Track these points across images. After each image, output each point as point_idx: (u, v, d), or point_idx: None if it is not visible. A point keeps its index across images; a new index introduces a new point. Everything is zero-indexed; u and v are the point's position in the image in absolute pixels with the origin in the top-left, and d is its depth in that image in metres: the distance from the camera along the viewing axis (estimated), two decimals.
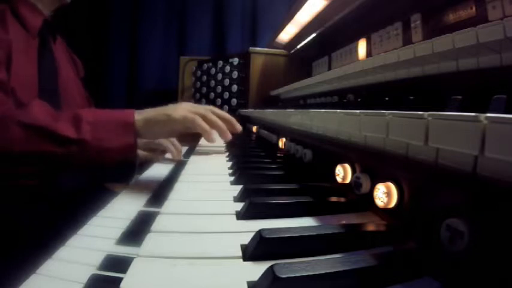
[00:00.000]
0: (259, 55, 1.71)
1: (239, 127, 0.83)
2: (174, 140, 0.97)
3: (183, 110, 0.71)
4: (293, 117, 0.73)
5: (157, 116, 0.69)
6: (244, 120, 1.58)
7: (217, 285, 0.24)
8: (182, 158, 0.96)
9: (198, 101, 1.90)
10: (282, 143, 0.86)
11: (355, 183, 0.42)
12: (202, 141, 1.06)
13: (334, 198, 0.44)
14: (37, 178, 0.70)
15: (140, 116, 0.68)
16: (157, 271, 0.26)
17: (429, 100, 0.44)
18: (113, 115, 0.67)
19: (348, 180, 0.47)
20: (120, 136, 0.64)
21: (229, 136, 0.79)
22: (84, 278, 0.32)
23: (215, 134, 0.77)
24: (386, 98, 0.57)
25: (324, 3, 1.07)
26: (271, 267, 0.23)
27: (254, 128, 1.33)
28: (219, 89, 1.78)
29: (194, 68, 1.93)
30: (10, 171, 0.62)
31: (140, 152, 0.95)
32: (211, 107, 0.78)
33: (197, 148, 0.98)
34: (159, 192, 0.64)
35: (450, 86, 0.50)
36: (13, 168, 0.62)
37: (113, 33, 2.51)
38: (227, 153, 0.83)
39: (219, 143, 0.86)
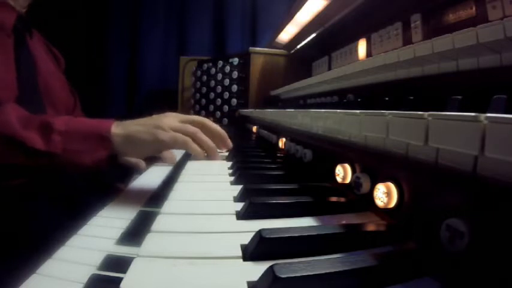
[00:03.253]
0: (259, 55, 1.71)
1: (230, 143, 0.78)
2: None
3: (170, 128, 0.64)
4: (293, 117, 0.73)
5: (141, 133, 0.61)
6: (244, 120, 1.59)
7: (217, 285, 0.24)
8: (177, 159, 0.93)
9: (198, 101, 1.91)
10: (282, 143, 0.86)
11: (355, 183, 0.42)
12: None
13: (334, 198, 0.44)
14: (27, 177, 0.69)
15: (119, 129, 0.61)
16: (158, 271, 0.26)
17: (429, 100, 0.44)
18: (88, 126, 0.61)
19: (348, 180, 0.47)
20: (92, 150, 0.59)
21: (218, 157, 0.73)
22: (84, 278, 0.32)
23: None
24: (386, 98, 0.57)
25: (324, 3, 1.07)
26: (271, 267, 0.23)
27: (254, 128, 1.33)
28: (219, 89, 1.78)
29: (194, 68, 1.94)
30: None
31: (131, 159, 0.92)
32: (202, 120, 0.73)
33: None
34: (159, 192, 0.64)
35: (450, 86, 0.50)
36: None
37: (113, 34, 2.51)
38: (227, 153, 0.83)
39: None
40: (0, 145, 0.56)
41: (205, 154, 0.71)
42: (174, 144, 0.64)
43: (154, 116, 0.67)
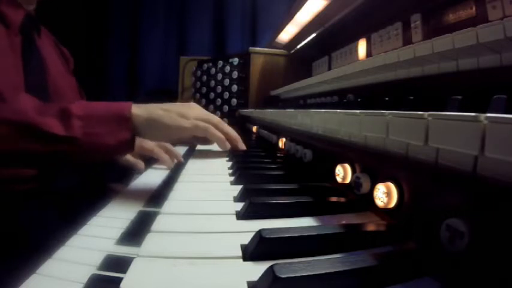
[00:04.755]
0: (259, 55, 1.71)
1: (244, 146, 0.79)
2: (168, 145, 0.91)
3: (192, 117, 0.64)
4: (293, 117, 0.73)
5: (165, 118, 0.61)
6: (244, 120, 1.59)
7: (217, 285, 0.24)
8: (182, 160, 0.92)
9: (198, 101, 1.90)
10: (282, 143, 0.86)
11: (355, 183, 0.42)
12: None
13: (334, 198, 0.44)
14: (36, 182, 0.68)
15: (141, 111, 0.60)
16: (158, 271, 0.26)
17: (429, 100, 0.44)
18: (107, 108, 0.60)
19: (348, 180, 0.47)
20: (114, 132, 0.57)
21: (243, 147, 0.77)
22: (84, 278, 0.32)
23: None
24: (386, 98, 0.57)
25: (324, 3, 1.07)
26: (271, 267, 0.23)
27: (254, 128, 1.33)
28: (219, 89, 1.78)
29: (194, 68, 1.94)
30: (5, 175, 0.60)
31: (131, 158, 0.90)
32: (219, 121, 0.74)
33: (197, 148, 0.98)
34: (159, 192, 0.64)
35: (450, 86, 0.50)
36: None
37: (113, 34, 2.51)
38: (227, 153, 0.83)
39: None
40: (16, 133, 0.54)
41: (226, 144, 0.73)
42: (196, 131, 0.65)
43: (178, 104, 0.68)
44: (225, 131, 0.73)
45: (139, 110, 0.60)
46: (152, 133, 0.63)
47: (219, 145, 0.73)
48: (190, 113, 0.65)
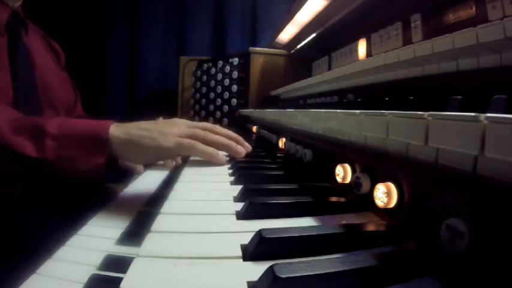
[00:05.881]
0: (259, 55, 1.71)
1: (248, 146, 0.71)
2: None
3: (175, 135, 0.59)
4: (293, 117, 0.73)
5: (144, 139, 0.56)
6: (244, 120, 1.59)
7: (217, 285, 0.24)
8: (180, 162, 0.91)
9: (198, 101, 1.91)
10: (282, 143, 0.86)
11: (355, 183, 0.42)
12: None
13: (334, 198, 0.44)
14: (20, 185, 0.67)
15: (120, 131, 0.56)
16: (158, 271, 0.26)
17: (429, 100, 0.44)
18: (84, 128, 0.56)
19: (348, 180, 0.47)
20: (88, 156, 0.54)
21: (243, 152, 0.68)
22: (84, 278, 0.32)
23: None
24: (386, 98, 0.57)
25: (324, 3, 1.07)
26: (271, 267, 0.23)
27: (254, 128, 1.33)
28: (219, 89, 1.78)
29: (194, 68, 1.94)
30: None
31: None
32: (211, 125, 0.68)
33: None
34: (159, 192, 0.64)
35: (450, 86, 0.50)
36: None
37: (113, 34, 2.51)
38: (227, 153, 0.83)
39: None
40: None
41: (220, 154, 0.66)
42: (180, 150, 0.59)
43: (160, 121, 0.63)
44: (218, 141, 0.65)
45: (118, 131, 0.56)
46: (131, 156, 0.59)
47: (211, 161, 0.65)
48: (173, 130, 0.60)
